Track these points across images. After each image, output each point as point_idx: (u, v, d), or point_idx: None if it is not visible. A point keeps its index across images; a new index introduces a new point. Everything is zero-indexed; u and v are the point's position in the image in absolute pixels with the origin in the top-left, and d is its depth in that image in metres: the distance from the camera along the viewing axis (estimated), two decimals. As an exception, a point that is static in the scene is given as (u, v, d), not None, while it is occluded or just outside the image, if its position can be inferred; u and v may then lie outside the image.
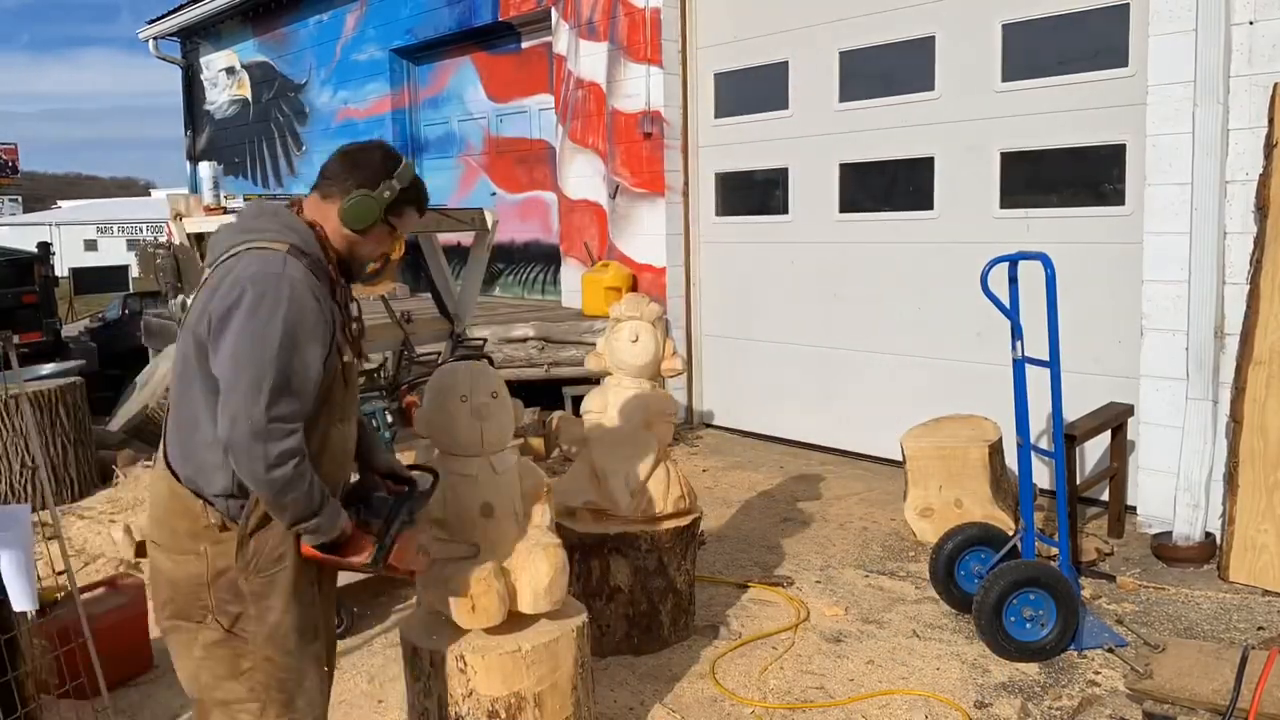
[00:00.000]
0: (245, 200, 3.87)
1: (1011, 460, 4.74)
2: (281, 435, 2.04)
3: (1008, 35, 5.62)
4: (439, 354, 4.91)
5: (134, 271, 22.19)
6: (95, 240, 40.66)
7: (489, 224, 4.85)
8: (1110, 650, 3.64)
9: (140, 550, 2.26)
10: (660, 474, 3.74)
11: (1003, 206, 5.72)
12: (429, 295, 5.32)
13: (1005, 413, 4.13)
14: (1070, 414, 4.66)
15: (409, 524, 2.36)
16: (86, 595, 3.56)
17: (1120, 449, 4.94)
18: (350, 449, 2.37)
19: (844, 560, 4.74)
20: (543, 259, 9.34)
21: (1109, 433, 4.90)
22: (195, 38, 13.73)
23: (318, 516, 2.13)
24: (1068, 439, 4.32)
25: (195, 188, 9.85)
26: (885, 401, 6.31)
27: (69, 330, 12.40)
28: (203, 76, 13.79)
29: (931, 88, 5.98)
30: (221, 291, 2.07)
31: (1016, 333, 3.76)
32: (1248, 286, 4.46)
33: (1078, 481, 4.70)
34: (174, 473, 2.18)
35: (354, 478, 2.51)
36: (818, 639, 3.87)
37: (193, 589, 2.17)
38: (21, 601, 2.64)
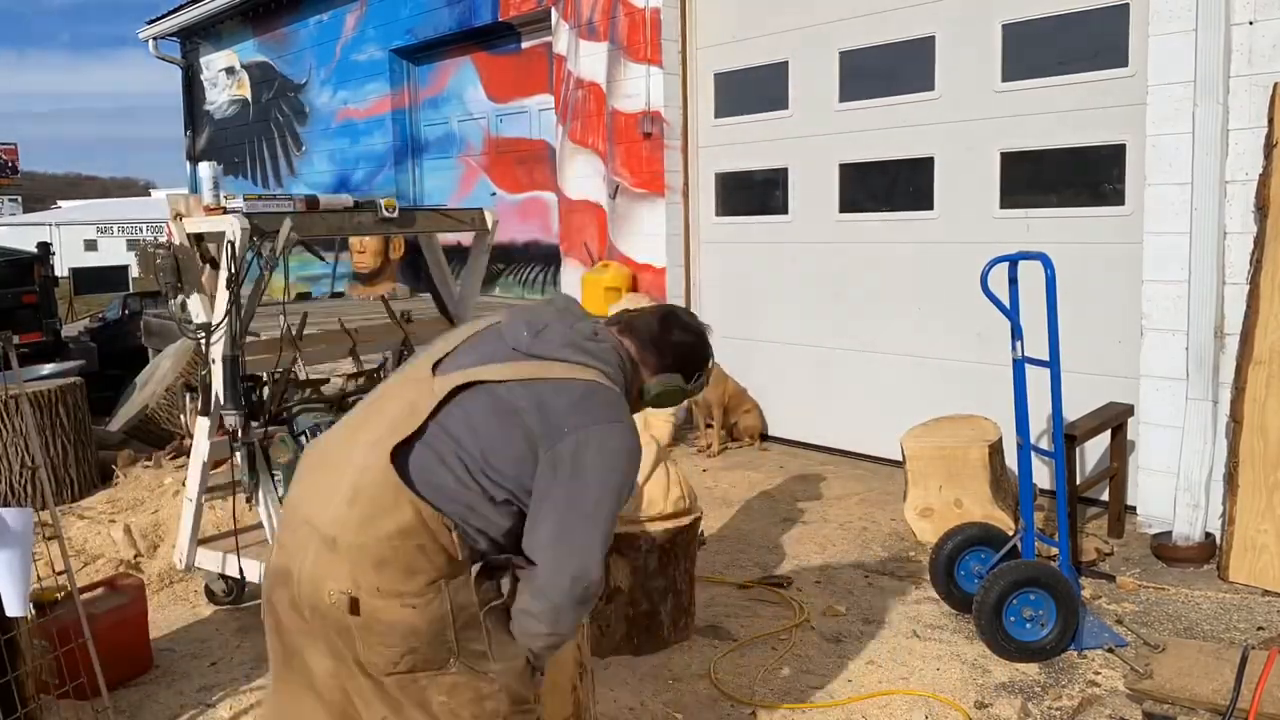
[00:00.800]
0: (245, 200, 3.85)
1: (1011, 460, 4.74)
2: (592, 587, 2.02)
3: (1008, 35, 5.62)
4: (439, 354, 4.90)
5: (134, 271, 22.19)
6: (95, 240, 40.65)
7: (489, 224, 4.84)
8: (1110, 650, 3.64)
9: (352, 606, 1.89)
10: (660, 474, 3.75)
11: (1003, 206, 5.72)
12: (429, 296, 5.32)
13: (1005, 413, 4.13)
14: (1070, 414, 4.66)
15: None
16: (86, 595, 3.56)
17: (1120, 449, 4.94)
18: None
19: (844, 560, 4.73)
20: (543, 259, 9.34)
21: (1109, 433, 4.90)
22: (195, 38, 13.74)
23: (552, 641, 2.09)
24: (1068, 439, 4.32)
25: (195, 188, 9.87)
26: (885, 401, 6.32)
27: (69, 330, 12.40)
28: (203, 76, 13.80)
29: (931, 88, 5.98)
30: (576, 414, 1.98)
31: (1016, 333, 3.76)
32: (1248, 286, 4.46)
33: (1078, 481, 4.70)
34: (422, 496, 1.94)
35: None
36: (818, 639, 3.87)
37: (438, 631, 1.95)
38: (13, 607, 2.64)
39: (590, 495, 1.97)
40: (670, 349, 2.23)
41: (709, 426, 6.36)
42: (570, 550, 1.97)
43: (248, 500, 3.89)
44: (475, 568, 2.02)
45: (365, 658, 1.95)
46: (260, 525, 4.05)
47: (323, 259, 11.03)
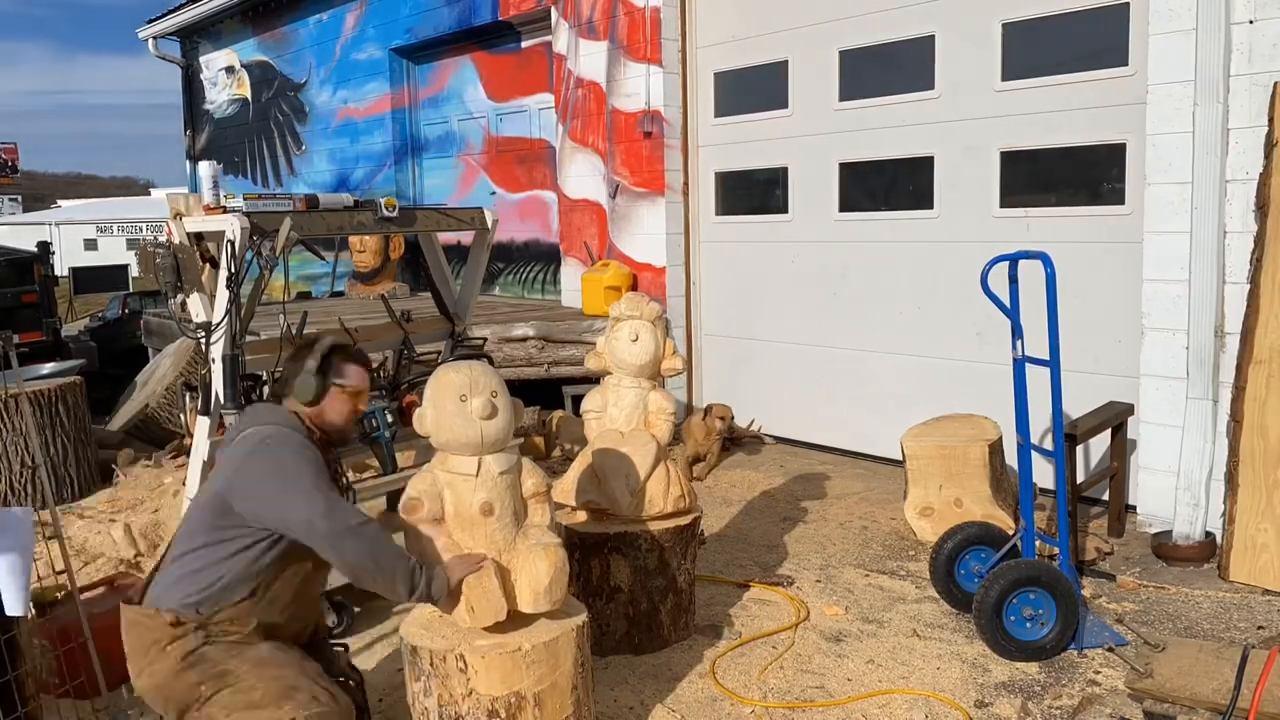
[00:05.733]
0: (245, 199, 3.86)
1: (1012, 459, 4.74)
2: (352, 518, 2.52)
3: (1008, 35, 5.62)
4: (439, 354, 4.91)
5: (134, 271, 22.20)
6: (95, 240, 40.62)
7: (489, 223, 4.84)
8: (1110, 649, 3.64)
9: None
10: (660, 474, 3.74)
11: (1003, 206, 5.72)
12: (429, 295, 5.32)
13: (1005, 412, 4.13)
14: (1070, 413, 4.67)
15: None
16: (86, 595, 3.56)
17: (1120, 448, 4.93)
18: (318, 595, 2.86)
19: (844, 560, 4.73)
20: (543, 258, 9.33)
21: (1109, 432, 4.90)
22: (195, 37, 13.73)
23: (423, 575, 2.58)
24: (1068, 438, 4.32)
25: (195, 187, 9.86)
26: (885, 401, 6.32)
27: (69, 330, 12.40)
28: (202, 76, 13.79)
29: (931, 87, 5.98)
30: (240, 454, 2.59)
31: (1016, 332, 3.76)
32: (1248, 286, 4.46)
33: (1078, 481, 4.70)
34: (134, 609, 2.58)
35: None
36: (818, 639, 3.87)
37: (178, 679, 2.49)
38: (13, 606, 2.64)
39: (280, 478, 2.54)
40: (283, 380, 2.81)
41: (698, 462, 6.30)
42: (293, 508, 2.51)
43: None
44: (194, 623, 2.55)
45: None
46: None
47: (323, 258, 11.02)
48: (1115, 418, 4.88)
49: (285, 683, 2.49)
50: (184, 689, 2.50)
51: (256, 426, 2.67)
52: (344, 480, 2.84)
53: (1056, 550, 3.84)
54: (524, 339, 7.09)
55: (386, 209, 4.21)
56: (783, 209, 6.93)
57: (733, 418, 6.67)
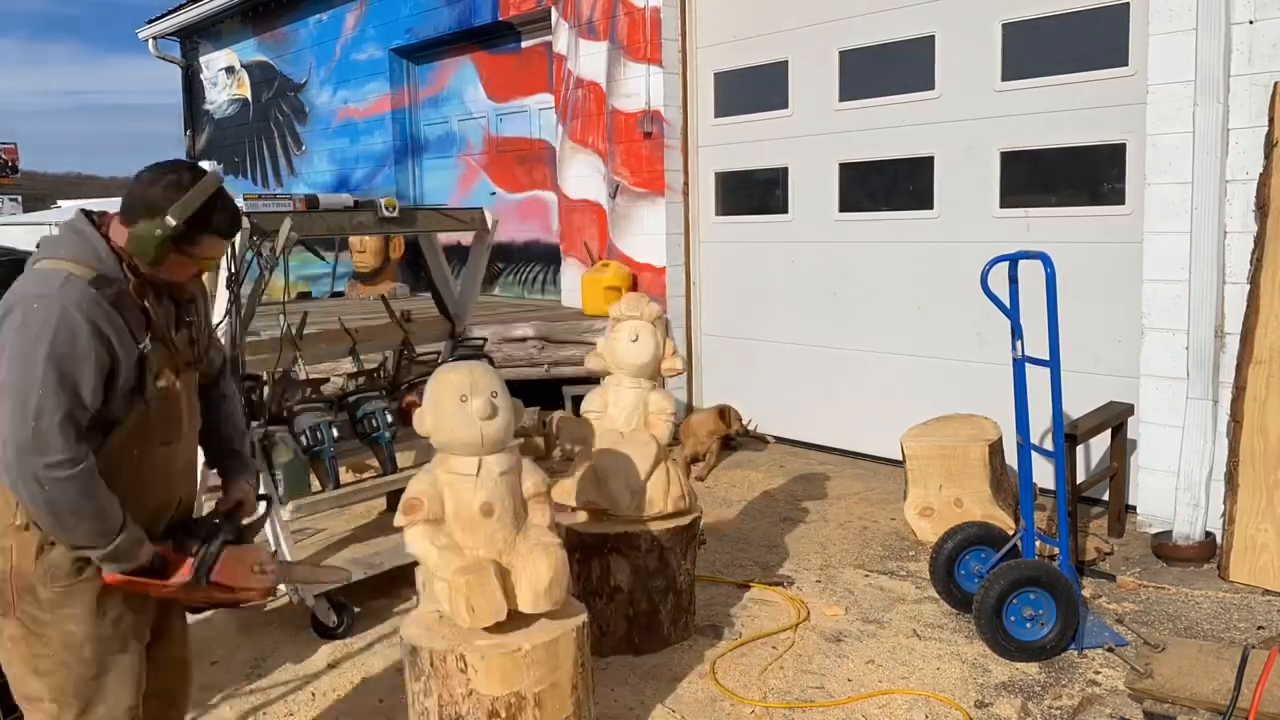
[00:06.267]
0: (245, 199, 3.86)
1: (1011, 459, 4.74)
2: (55, 458, 2.01)
3: (1008, 35, 5.62)
4: (439, 354, 4.91)
5: (134, 271, 22.15)
6: (95, 240, 40.59)
7: (489, 224, 4.85)
8: (1110, 650, 3.64)
9: None
10: (660, 474, 3.74)
11: (1003, 206, 5.72)
12: (429, 295, 5.32)
13: (1005, 412, 4.13)
14: (1070, 413, 4.66)
15: (233, 542, 2.34)
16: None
17: (1120, 448, 4.93)
18: (175, 471, 2.35)
19: (844, 560, 4.74)
20: (543, 259, 9.33)
21: (1109, 432, 4.90)
22: (195, 37, 13.73)
23: (111, 543, 2.10)
24: (1068, 438, 4.32)
25: (195, 187, 9.83)
26: (885, 401, 6.31)
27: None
28: (202, 76, 13.79)
29: (931, 87, 5.98)
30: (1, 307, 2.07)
31: (1016, 332, 3.76)
32: (1248, 286, 4.46)
33: (1078, 481, 4.70)
34: None
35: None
36: (818, 639, 3.87)
37: None
38: None
39: (16, 368, 2.02)
40: (130, 198, 2.18)
41: (697, 461, 6.31)
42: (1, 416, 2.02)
43: (248, 500, 3.89)
44: (37, 543, 2.14)
45: None
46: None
47: (323, 258, 11.03)
48: (1115, 418, 4.88)
49: (83, 694, 2.21)
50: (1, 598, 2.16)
51: (40, 264, 2.13)
52: (186, 343, 2.31)
53: (1056, 550, 3.84)
54: (524, 339, 7.09)
55: (386, 209, 4.21)
56: (783, 209, 6.93)
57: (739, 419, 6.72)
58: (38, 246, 2.22)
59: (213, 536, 2.31)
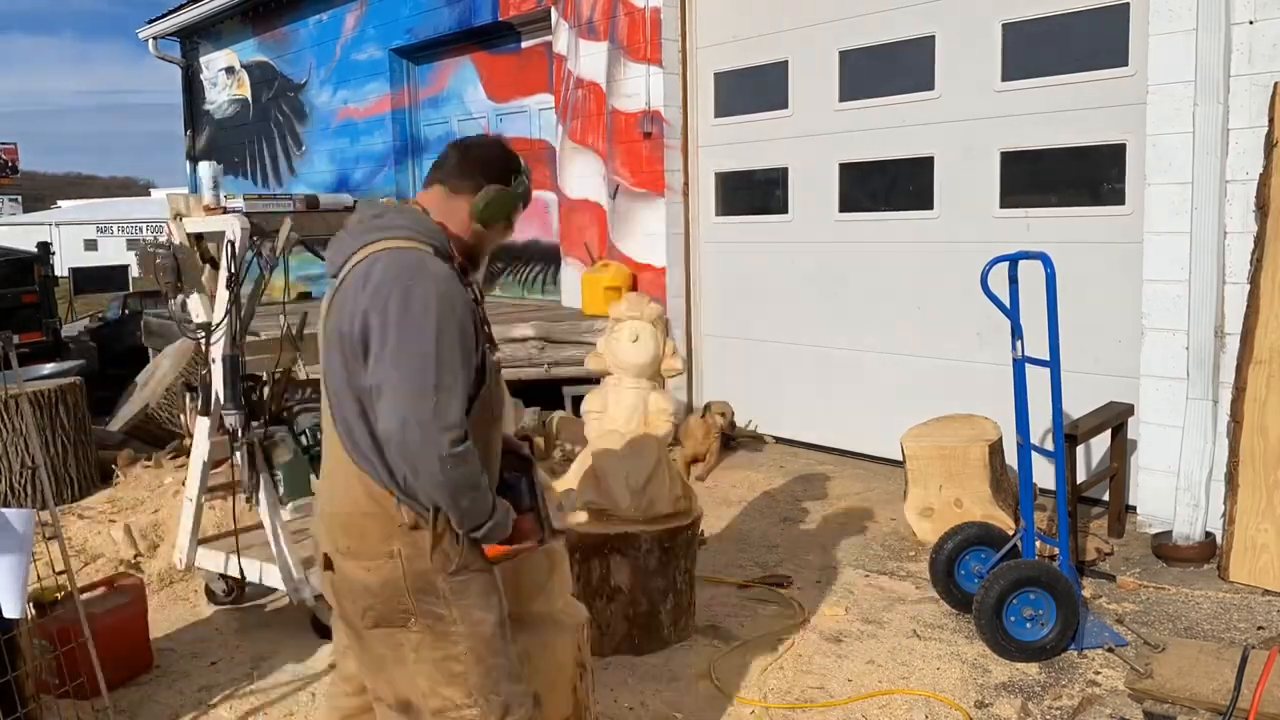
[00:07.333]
0: (245, 199, 3.86)
1: (1011, 459, 4.74)
2: (455, 433, 1.97)
3: (1008, 35, 5.62)
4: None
5: (134, 271, 22.18)
6: (95, 240, 40.64)
7: (489, 224, 4.84)
8: (1110, 650, 3.64)
9: (326, 563, 2.17)
10: (660, 474, 3.74)
11: (1003, 206, 5.72)
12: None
13: (1005, 413, 4.13)
14: (1070, 413, 4.66)
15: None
16: (86, 595, 3.56)
17: (1120, 448, 4.93)
18: (497, 448, 2.27)
19: (844, 560, 4.73)
20: (543, 259, 9.33)
21: (1109, 432, 4.90)
22: (195, 37, 13.72)
23: (494, 516, 2.08)
24: (1068, 438, 4.32)
25: (195, 188, 9.87)
26: (885, 401, 6.31)
27: (69, 330, 12.40)
28: (203, 76, 13.78)
29: (931, 87, 5.98)
30: (367, 295, 2.01)
31: (1016, 332, 3.76)
32: (1248, 286, 4.46)
33: (1078, 481, 4.70)
34: (367, 473, 2.08)
35: None
36: (818, 639, 3.87)
37: (392, 594, 2.07)
38: (10, 609, 2.64)
39: (408, 348, 1.97)
40: (474, 166, 2.20)
41: (697, 461, 6.31)
42: (395, 399, 1.98)
43: (247, 500, 3.89)
44: (432, 536, 2.07)
45: (340, 611, 2.19)
46: (260, 525, 4.04)
47: (323, 258, 11.01)
48: (1115, 418, 4.88)
49: (502, 688, 2.15)
50: (395, 611, 2.09)
51: (388, 249, 2.06)
52: (487, 329, 2.22)
53: (1056, 550, 3.84)
54: (524, 339, 7.08)
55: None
56: (783, 209, 6.93)
57: (732, 414, 6.68)
58: (357, 229, 2.15)
59: (535, 493, 2.27)
